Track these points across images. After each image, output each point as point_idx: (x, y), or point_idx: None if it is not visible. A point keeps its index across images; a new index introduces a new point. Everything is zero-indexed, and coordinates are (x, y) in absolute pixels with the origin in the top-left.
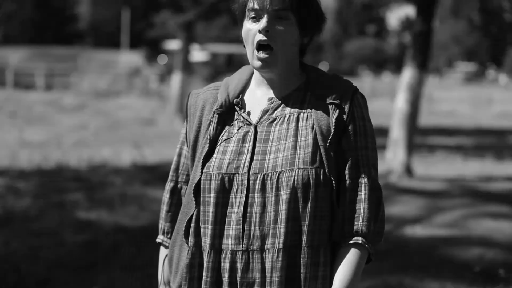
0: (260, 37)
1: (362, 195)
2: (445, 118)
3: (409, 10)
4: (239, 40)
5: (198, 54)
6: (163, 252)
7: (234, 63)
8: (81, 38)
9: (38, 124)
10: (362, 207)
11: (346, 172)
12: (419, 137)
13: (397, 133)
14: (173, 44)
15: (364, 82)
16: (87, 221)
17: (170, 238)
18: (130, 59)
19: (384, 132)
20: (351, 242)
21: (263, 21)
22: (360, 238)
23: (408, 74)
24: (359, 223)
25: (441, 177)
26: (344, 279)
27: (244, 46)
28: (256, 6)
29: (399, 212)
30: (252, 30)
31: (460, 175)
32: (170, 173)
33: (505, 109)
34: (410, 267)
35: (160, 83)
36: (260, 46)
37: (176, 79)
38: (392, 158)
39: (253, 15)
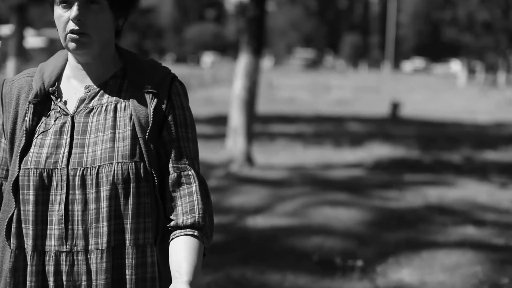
0: (72, 26)
1: (193, 187)
2: (286, 105)
3: None
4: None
5: (34, 40)
6: None
7: None
8: None
9: None
10: (195, 199)
11: (171, 165)
12: (260, 125)
13: (236, 121)
14: (7, 29)
15: (205, 68)
16: None
17: None
18: None
19: (225, 120)
20: (188, 233)
21: (74, 10)
22: (197, 231)
23: (244, 60)
24: (196, 216)
25: (282, 165)
26: (192, 263)
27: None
28: None
29: (240, 203)
30: (63, 17)
31: (300, 163)
32: None
33: (342, 95)
34: (252, 259)
35: None
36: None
37: (10, 66)
38: (232, 147)
39: (63, 1)
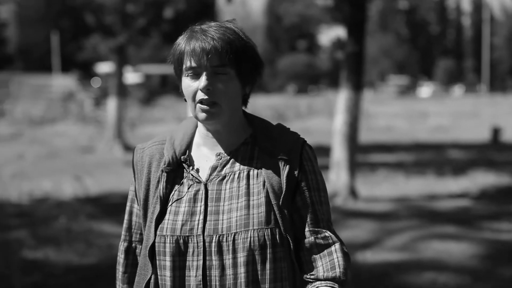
0: (202, 95)
1: (332, 247)
2: (383, 133)
3: (340, 31)
4: None
5: (131, 76)
6: None
7: (168, 84)
8: (10, 62)
9: None
10: (335, 257)
11: (307, 229)
12: (360, 155)
13: (339, 155)
14: (106, 67)
15: (300, 99)
16: (34, 261)
17: None
18: (63, 82)
19: (324, 150)
20: (329, 285)
21: (203, 79)
22: (337, 285)
23: (344, 95)
24: (337, 271)
25: (386, 197)
26: None
27: (185, 100)
28: (193, 64)
29: (348, 237)
30: (192, 87)
31: (403, 194)
32: (123, 232)
33: (439, 122)
34: None
35: (95, 107)
36: (202, 102)
37: (111, 104)
38: (335, 180)
39: (191, 73)
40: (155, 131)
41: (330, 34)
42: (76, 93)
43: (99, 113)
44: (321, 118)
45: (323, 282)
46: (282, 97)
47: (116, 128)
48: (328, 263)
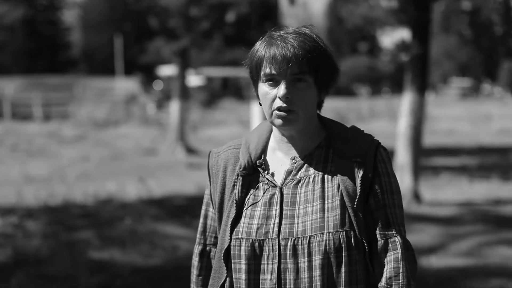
0: (280, 103)
1: (398, 254)
2: (446, 136)
3: (404, 33)
4: (233, 63)
5: (193, 79)
6: None
7: (229, 86)
8: (74, 66)
9: (39, 157)
10: (400, 266)
11: (378, 232)
12: (423, 159)
13: (403, 158)
14: (168, 70)
15: (362, 102)
16: (100, 262)
17: None
18: (125, 85)
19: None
20: None
21: (282, 88)
22: None
23: (408, 98)
24: (400, 282)
25: (450, 201)
26: None
27: (260, 104)
28: (273, 72)
29: (413, 241)
30: (270, 94)
31: (468, 198)
32: (198, 236)
33: (505, 125)
34: None
35: (157, 110)
36: (280, 109)
37: (174, 106)
38: (399, 184)
39: (270, 79)
40: (216, 133)
41: (394, 36)
42: (139, 96)
43: (161, 115)
44: (383, 121)
45: None
46: (345, 100)
47: (178, 131)
48: (392, 270)
